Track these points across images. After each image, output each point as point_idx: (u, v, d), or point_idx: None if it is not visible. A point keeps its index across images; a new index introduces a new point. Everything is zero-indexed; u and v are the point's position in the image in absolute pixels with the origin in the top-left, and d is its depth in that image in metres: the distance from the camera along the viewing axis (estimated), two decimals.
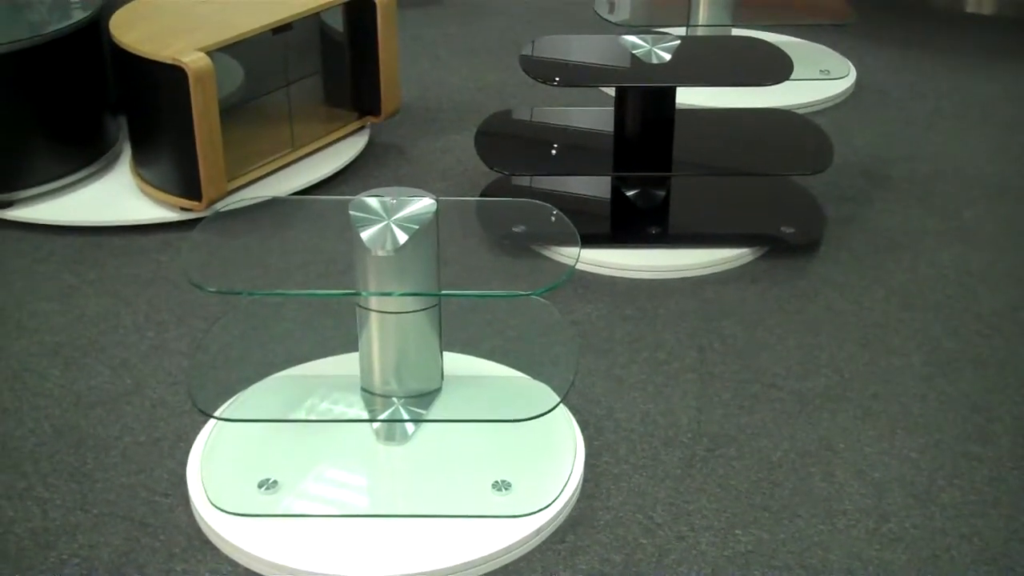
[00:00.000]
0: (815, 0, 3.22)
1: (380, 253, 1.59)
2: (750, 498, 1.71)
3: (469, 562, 1.57)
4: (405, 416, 1.74)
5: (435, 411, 1.75)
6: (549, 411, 1.67)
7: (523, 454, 1.74)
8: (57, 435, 1.83)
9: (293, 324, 2.08)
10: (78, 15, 2.42)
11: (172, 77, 2.24)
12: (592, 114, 2.58)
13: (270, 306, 2.10)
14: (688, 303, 2.17)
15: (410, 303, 1.65)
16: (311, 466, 1.72)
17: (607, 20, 3.05)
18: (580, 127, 2.54)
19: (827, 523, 1.67)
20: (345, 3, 2.57)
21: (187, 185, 2.35)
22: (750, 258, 2.30)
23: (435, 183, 2.60)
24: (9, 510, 1.68)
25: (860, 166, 2.69)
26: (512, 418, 1.71)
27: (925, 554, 1.62)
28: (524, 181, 2.51)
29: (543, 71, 2.31)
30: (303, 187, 2.52)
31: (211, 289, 1.62)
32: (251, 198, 2.38)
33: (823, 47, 3.30)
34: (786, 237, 2.35)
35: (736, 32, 3.10)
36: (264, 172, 2.51)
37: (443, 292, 1.69)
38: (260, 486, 1.67)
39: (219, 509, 1.64)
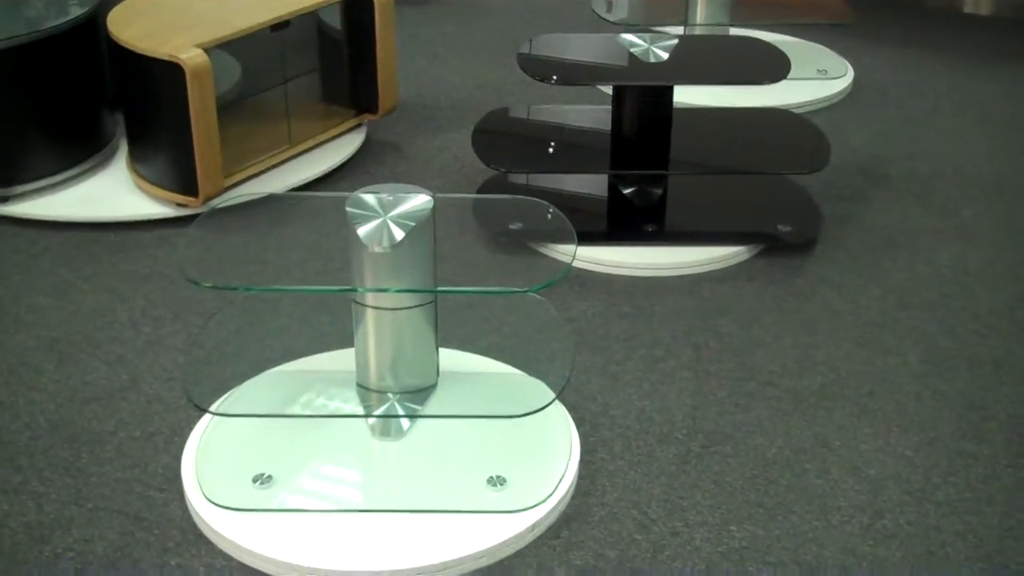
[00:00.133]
0: None
1: (377, 249, 1.59)
2: (745, 494, 1.71)
3: (464, 557, 1.57)
4: (400, 412, 1.74)
5: (430, 407, 1.75)
6: (544, 407, 1.68)
7: (518, 450, 1.74)
8: (52, 430, 1.83)
9: (289, 320, 2.08)
10: (76, 11, 2.42)
11: (169, 73, 2.24)
12: (589, 112, 2.58)
13: (266, 302, 2.10)
14: (684, 301, 2.17)
15: (406, 299, 1.65)
16: (306, 461, 1.72)
17: (605, 19, 3.06)
18: (577, 125, 2.54)
19: (822, 519, 1.67)
20: (343, 1, 2.57)
21: (184, 181, 2.35)
22: (746, 256, 2.31)
23: (432, 180, 2.60)
24: (4, 504, 1.68)
25: (857, 165, 2.69)
26: (507, 414, 1.71)
27: (919, 551, 1.62)
28: (521, 178, 2.52)
29: (541, 69, 2.31)
30: (300, 184, 2.52)
31: (207, 285, 1.61)
32: (248, 194, 2.38)
33: (821, 46, 3.30)
34: (783, 235, 2.35)
35: (734, 31, 3.10)
36: (261, 169, 2.51)
37: (439, 288, 1.69)
38: (255, 481, 1.67)
39: (214, 504, 1.64)
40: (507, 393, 1.86)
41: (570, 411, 1.83)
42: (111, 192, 2.47)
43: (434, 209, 1.62)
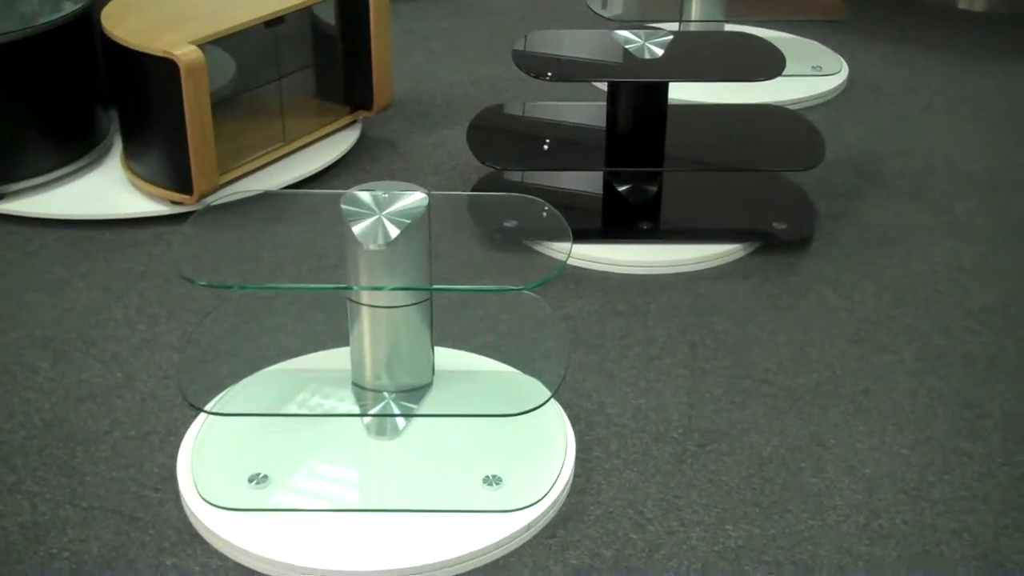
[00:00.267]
0: None
1: (372, 247, 1.59)
2: (741, 493, 1.71)
3: (459, 557, 1.57)
4: (396, 411, 1.74)
5: (426, 406, 1.75)
6: (540, 406, 1.68)
7: (514, 449, 1.74)
8: (47, 429, 1.82)
9: (284, 318, 2.07)
10: (69, 7, 2.41)
11: (164, 70, 2.23)
12: (584, 109, 2.58)
13: (261, 300, 2.09)
14: (680, 299, 2.17)
15: (401, 297, 1.65)
16: (301, 461, 1.72)
17: (600, 15, 3.05)
18: (572, 122, 2.54)
19: (817, 518, 1.67)
20: None
21: (178, 178, 2.34)
22: (742, 254, 2.31)
23: (427, 177, 2.59)
24: None
25: (852, 162, 2.69)
26: (503, 413, 1.71)
27: (915, 549, 1.62)
28: (516, 176, 2.51)
29: (536, 66, 2.31)
30: (295, 181, 2.52)
31: (202, 283, 1.61)
32: (243, 192, 2.38)
33: (815, 43, 3.30)
34: (778, 233, 2.35)
35: (728, 28, 3.10)
36: (256, 166, 2.51)
37: (434, 287, 1.69)
38: (250, 480, 1.67)
39: (209, 503, 1.63)
40: (503, 392, 1.86)
41: (566, 409, 1.83)
42: (105, 189, 2.47)
43: (429, 206, 1.62)
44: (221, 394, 1.80)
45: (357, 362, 1.73)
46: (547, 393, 1.68)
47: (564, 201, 2.41)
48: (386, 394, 1.74)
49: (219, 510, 1.62)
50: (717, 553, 1.61)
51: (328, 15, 2.62)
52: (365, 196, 1.62)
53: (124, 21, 2.35)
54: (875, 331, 2.09)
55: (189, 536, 1.62)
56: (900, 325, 2.10)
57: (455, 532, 1.60)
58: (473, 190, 2.50)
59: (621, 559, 1.60)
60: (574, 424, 1.81)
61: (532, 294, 1.98)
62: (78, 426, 1.83)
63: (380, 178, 2.43)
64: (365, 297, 1.65)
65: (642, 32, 2.36)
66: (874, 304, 2.16)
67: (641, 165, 2.37)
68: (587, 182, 2.49)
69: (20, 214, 2.39)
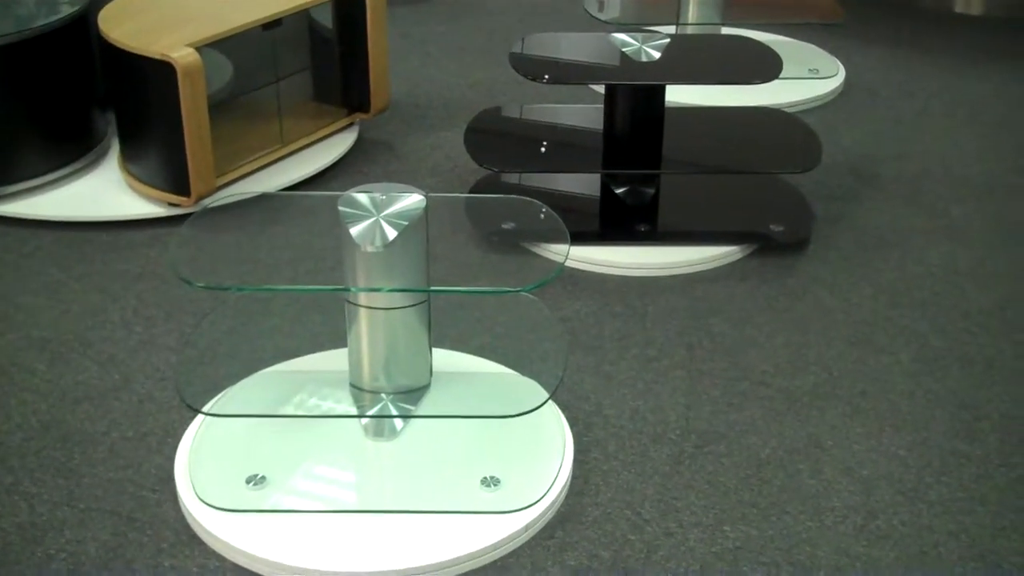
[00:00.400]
0: None
1: (369, 249, 1.59)
2: (738, 495, 1.71)
3: (457, 558, 1.57)
4: (394, 412, 1.74)
5: (424, 407, 1.75)
6: (538, 407, 1.67)
7: (512, 450, 1.74)
8: (44, 430, 1.82)
9: (282, 320, 2.07)
10: (66, 9, 2.41)
11: (161, 72, 2.23)
12: (581, 111, 2.58)
13: (259, 302, 2.09)
14: (677, 300, 2.17)
15: (399, 299, 1.65)
16: (299, 462, 1.72)
17: (597, 18, 3.06)
18: (569, 124, 2.54)
19: (815, 520, 1.67)
20: None
21: (176, 181, 2.34)
22: (739, 256, 2.31)
23: (424, 179, 2.59)
24: None
25: (849, 165, 2.69)
26: (501, 414, 1.71)
27: (913, 550, 1.62)
28: (513, 178, 2.51)
29: (533, 68, 2.31)
30: (292, 183, 2.52)
31: (199, 284, 1.61)
32: (240, 194, 2.38)
33: (812, 46, 3.30)
34: (775, 235, 2.35)
35: (725, 30, 3.10)
36: (253, 168, 2.51)
37: (432, 288, 1.69)
38: (248, 482, 1.66)
39: (207, 505, 1.63)
40: (500, 393, 1.86)
41: (563, 411, 1.83)
42: (103, 191, 2.47)
43: (427, 208, 1.62)
44: (219, 395, 1.80)
45: (355, 363, 1.73)
46: (545, 394, 1.68)
47: (562, 203, 2.41)
48: (384, 395, 1.74)
49: (217, 511, 1.62)
50: (715, 554, 1.61)
51: (325, 18, 2.62)
52: (363, 198, 1.62)
53: (121, 23, 2.35)
54: (872, 333, 2.09)
55: (187, 537, 1.62)
56: (897, 327, 2.11)
57: (453, 533, 1.60)
58: (471, 192, 2.50)
59: (619, 560, 1.60)
60: (572, 425, 1.81)
61: (530, 296, 1.98)
62: (75, 427, 1.83)
63: (378, 180, 2.44)
64: (363, 299, 1.65)
65: (639, 35, 2.37)
66: (871, 306, 2.17)
67: (638, 167, 2.38)
68: (584, 184, 2.49)
69: (17, 216, 2.39)
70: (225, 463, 1.71)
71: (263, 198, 2.35)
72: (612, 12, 3.22)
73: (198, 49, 2.25)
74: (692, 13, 3.05)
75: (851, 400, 1.91)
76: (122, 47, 2.28)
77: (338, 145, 2.67)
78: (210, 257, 1.80)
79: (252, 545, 1.57)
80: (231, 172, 2.45)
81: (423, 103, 3.00)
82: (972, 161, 2.73)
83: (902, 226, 2.44)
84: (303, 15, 2.57)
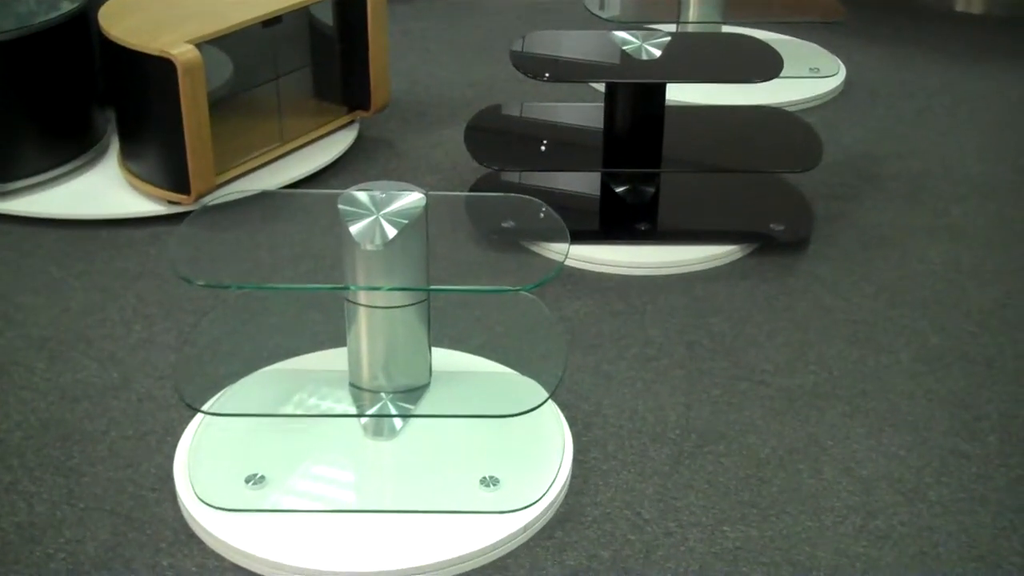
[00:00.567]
0: None
1: (369, 247, 1.58)
2: (738, 494, 1.71)
3: (457, 558, 1.57)
4: (393, 411, 1.74)
5: (423, 406, 1.75)
6: (537, 407, 1.67)
7: (511, 450, 1.74)
8: (43, 429, 1.82)
9: (281, 318, 2.07)
10: (66, 6, 2.41)
11: (161, 69, 2.23)
12: (582, 110, 2.58)
13: (258, 300, 2.09)
14: (677, 299, 2.17)
15: (399, 298, 1.65)
16: (298, 461, 1.71)
17: (597, 16, 3.05)
18: (570, 123, 2.54)
19: (815, 520, 1.67)
20: None
21: (175, 178, 2.34)
22: (739, 255, 2.31)
23: (424, 178, 2.59)
24: None
25: (849, 164, 2.69)
26: (500, 414, 1.71)
27: (912, 551, 1.62)
28: (513, 176, 2.51)
29: (533, 66, 2.31)
30: (292, 181, 2.52)
31: (199, 283, 1.61)
32: (240, 192, 2.38)
33: (813, 45, 3.30)
34: (775, 234, 2.35)
35: (726, 29, 3.10)
36: (253, 166, 2.51)
37: (432, 287, 1.69)
38: (247, 481, 1.66)
39: (206, 504, 1.63)
40: (500, 392, 1.85)
41: (563, 410, 1.83)
42: (102, 189, 2.46)
43: (426, 207, 1.62)
44: (218, 394, 1.80)
45: (354, 363, 1.72)
46: (544, 394, 1.68)
47: (561, 202, 2.41)
48: (383, 395, 1.74)
49: (216, 511, 1.62)
50: (715, 554, 1.61)
51: (326, 15, 2.62)
52: (362, 196, 1.62)
53: (121, 20, 2.35)
54: (872, 332, 2.09)
55: (186, 536, 1.62)
56: (897, 326, 2.10)
57: (452, 533, 1.59)
58: (471, 191, 2.50)
59: (619, 560, 1.60)
60: (571, 425, 1.81)
61: (529, 295, 1.98)
62: (75, 426, 1.83)
63: (377, 178, 2.43)
64: (362, 297, 1.65)
65: (640, 33, 2.36)
66: (871, 305, 2.16)
67: (639, 166, 2.37)
68: (584, 183, 2.49)
69: (16, 214, 2.39)
70: (224, 462, 1.71)
71: (263, 196, 2.35)
72: (613, 10, 3.22)
73: (198, 46, 2.25)
74: (693, 11, 3.05)
75: (851, 400, 1.91)
76: (122, 44, 2.28)
77: (338, 143, 2.67)
78: (210, 255, 1.80)
79: (251, 545, 1.57)
80: (231, 170, 2.45)
81: (423, 101, 3.00)
82: (973, 160, 2.73)
83: (903, 225, 2.44)
84: (303, 12, 2.56)
